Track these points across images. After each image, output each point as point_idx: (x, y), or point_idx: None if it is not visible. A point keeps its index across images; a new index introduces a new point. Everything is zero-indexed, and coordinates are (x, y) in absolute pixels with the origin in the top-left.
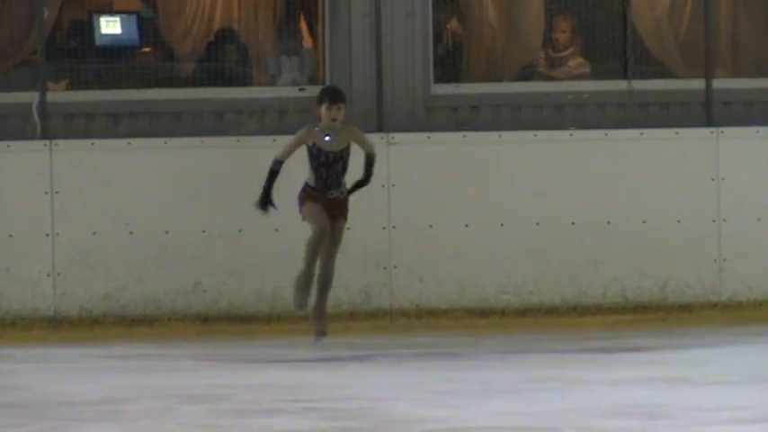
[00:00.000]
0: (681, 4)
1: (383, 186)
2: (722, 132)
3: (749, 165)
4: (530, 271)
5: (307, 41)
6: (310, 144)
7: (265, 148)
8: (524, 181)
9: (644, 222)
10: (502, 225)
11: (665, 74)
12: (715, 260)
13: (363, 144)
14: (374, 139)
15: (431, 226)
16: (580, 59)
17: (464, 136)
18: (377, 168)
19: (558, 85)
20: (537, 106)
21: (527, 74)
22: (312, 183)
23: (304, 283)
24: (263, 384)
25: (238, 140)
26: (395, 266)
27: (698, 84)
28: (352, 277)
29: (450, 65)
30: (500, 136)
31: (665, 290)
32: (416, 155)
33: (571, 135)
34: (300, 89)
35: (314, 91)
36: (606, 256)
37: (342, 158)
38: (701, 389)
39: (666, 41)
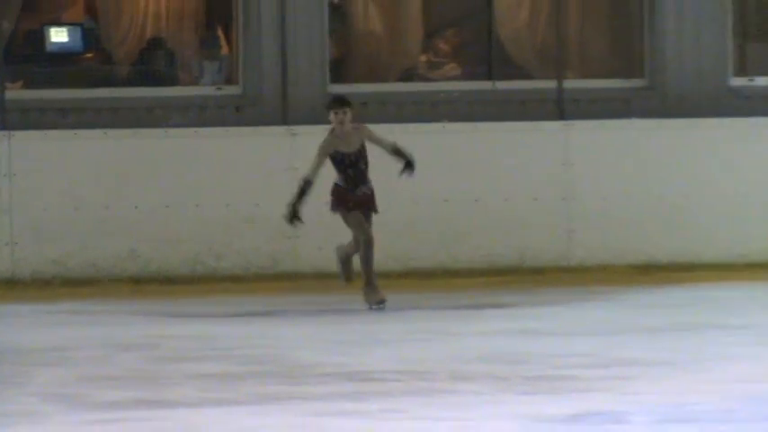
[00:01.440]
0: (536, 17)
1: (287, 170)
2: (572, 125)
3: (594, 152)
4: (410, 241)
5: (224, 48)
6: (332, 152)
7: (189, 138)
8: None
9: (506, 200)
10: (387, 202)
11: (524, 75)
12: (565, 231)
13: (380, 143)
14: (280, 130)
15: (327, 203)
16: (453, 64)
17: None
18: (284, 157)
19: (434, 85)
20: (416, 103)
21: (408, 75)
22: (342, 183)
23: (368, 285)
24: (186, 335)
25: (166, 132)
26: (298, 237)
27: (551, 84)
28: (261, 245)
29: (343, 68)
30: (386, 128)
31: (523, 256)
32: (315, 144)
33: (444, 127)
34: (218, 88)
35: (230, 90)
36: (474, 228)
37: (362, 157)
38: (553, 339)
39: (524, 48)
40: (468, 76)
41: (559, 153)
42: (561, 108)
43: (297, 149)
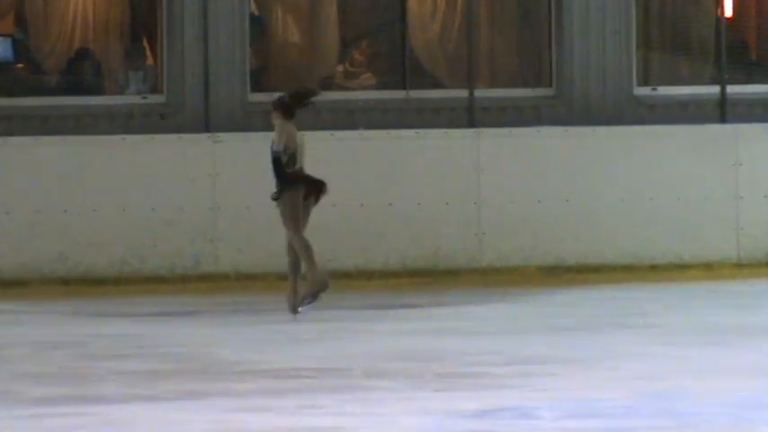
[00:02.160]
0: (449, 29)
1: (210, 175)
2: (482, 132)
3: (504, 158)
4: (327, 243)
5: (149, 59)
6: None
7: (116, 145)
8: (324, 171)
9: (419, 204)
10: None
11: (436, 85)
12: (476, 234)
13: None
14: (202, 137)
15: (248, 207)
16: (368, 74)
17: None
18: (206, 163)
19: (350, 93)
20: (333, 110)
21: (326, 84)
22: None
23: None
24: (113, 334)
25: (94, 139)
26: (220, 239)
27: (462, 93)
28: (184, 247)
29: (263, 77)
30: (303, 135)
31: (436, 258)
32: (236, 150)
33: (360, 134)
34: (143, 97)
35: (155, 98)
36: (389, 231)
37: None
38: (465, 337)
39: (437, 59)
40: (383, 85)
41: (470, 159)
42: (472, 116)
43: (218, 155)
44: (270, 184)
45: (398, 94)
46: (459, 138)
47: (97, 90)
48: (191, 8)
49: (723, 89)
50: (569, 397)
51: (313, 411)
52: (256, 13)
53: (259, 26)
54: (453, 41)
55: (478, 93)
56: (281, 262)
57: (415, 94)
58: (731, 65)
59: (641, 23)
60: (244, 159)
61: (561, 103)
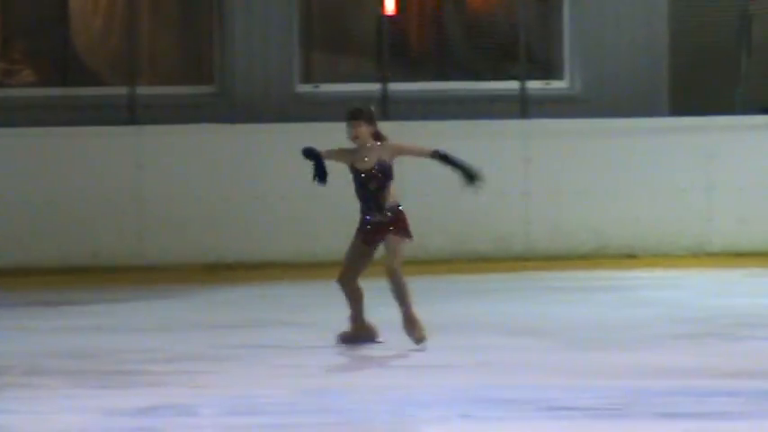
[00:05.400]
0: (110, 26)
1: None
2: (143, 129)
3: (165, 156)
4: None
5: None
6: (350, 167)
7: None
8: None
9: (80, 201)
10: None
11: (98, 82)
12: (137, 231)
13: (413, 152)
14: None
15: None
16: (28, 71)
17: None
18: None
19: (9, 91)
20: None
21: None
22: (360, 207)
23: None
24: None
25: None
26: None
27: (123, 90)
28: None
29: None
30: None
31: (96, 255)
32: None
33: (19, 132)
34: None
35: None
36: (50, 228)
37: (374, 177)
38: (124, 335)
39: (98, 56)
40: (44, 82)
41: (131, 156)
42: (133, 113)
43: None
44: None
45: (57, 92)
46: (120, 135)
47: None
48: None
49: (385, 86)
50: (230, 394)
51: None
52: None
53: None
54: (115, 39)
55: (140, 90)
56: None
57: (75, 91)
58: (393, 62)
59: (303, 22)
60: None
61: (223, 101)
